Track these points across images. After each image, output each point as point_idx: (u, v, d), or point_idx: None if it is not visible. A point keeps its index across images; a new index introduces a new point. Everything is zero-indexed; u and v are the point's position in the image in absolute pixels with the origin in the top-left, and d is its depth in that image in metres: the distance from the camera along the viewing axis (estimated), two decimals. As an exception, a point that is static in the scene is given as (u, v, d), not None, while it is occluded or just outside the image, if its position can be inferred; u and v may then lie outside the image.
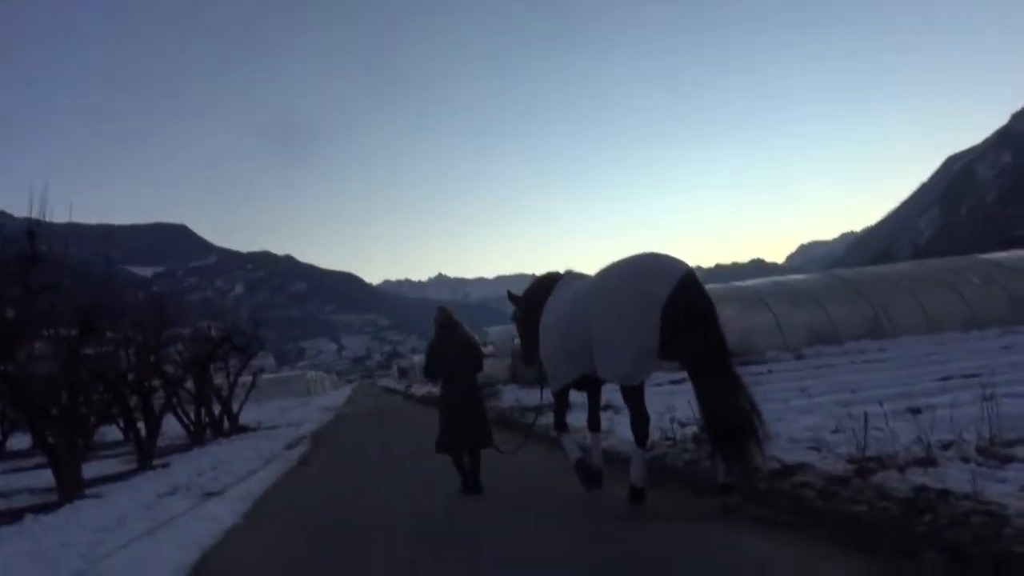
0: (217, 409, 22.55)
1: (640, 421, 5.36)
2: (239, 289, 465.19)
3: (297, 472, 10.95)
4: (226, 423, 22.89)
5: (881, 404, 8.44)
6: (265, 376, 73.60)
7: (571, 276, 6.55)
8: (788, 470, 4.94)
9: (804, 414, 7.82)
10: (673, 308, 4.84)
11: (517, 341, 7.28)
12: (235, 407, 24.78)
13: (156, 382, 17.25)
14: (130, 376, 15.17)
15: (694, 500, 5.11)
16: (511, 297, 7.35)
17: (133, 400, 15.54)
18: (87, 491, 11.38)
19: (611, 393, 6.81)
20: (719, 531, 4.30)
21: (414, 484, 7.98)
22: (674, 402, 11.75)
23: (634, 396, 5.36)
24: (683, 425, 8.08)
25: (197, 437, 18.47)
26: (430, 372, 7.21)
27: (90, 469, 16.53)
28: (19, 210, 11.18)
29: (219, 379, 23.95)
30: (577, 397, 6.60)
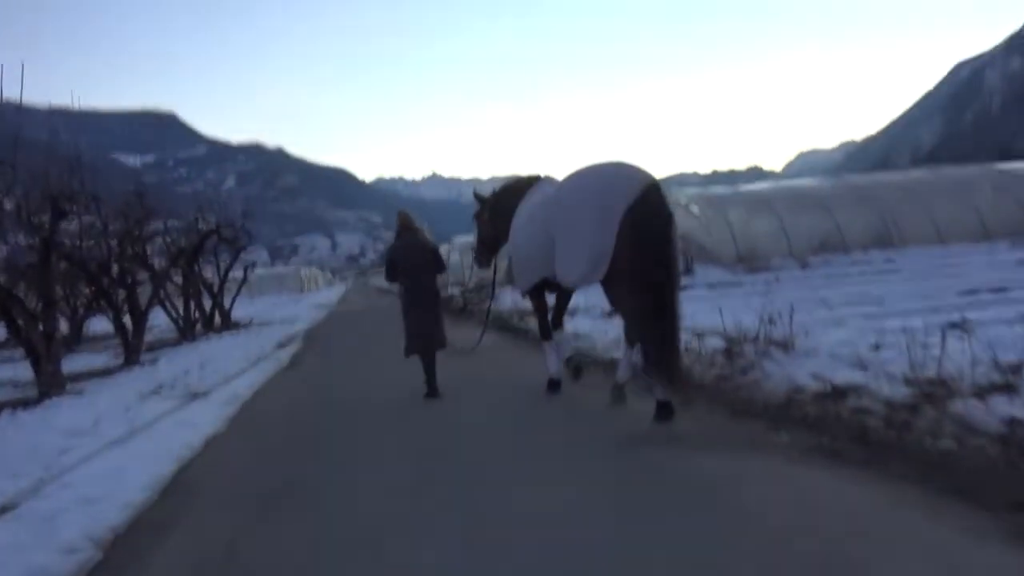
0: (208, 304, 22.05)
1: (626, 320, 5.39)
2: (230, 182, 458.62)
3: (287, 373, 10.47)
4: (217, 318, 22.46)
5: (915, 319, 8.01)
6: (259, 271, 73.40)
7: (546, 181, 6.53)
8: (839, 392, 4.37)
9: (832, 327, 7.23)
10: (631, 217, 4.83)
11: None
12: (227, 302, 24.31)
13: (142, 275, 16.61)
14: (114, 268, 14.51)
15: (732, 423, 4.55)
16: (477, 196, 7.41)
17: (119, 293, 14.95)
18: (68, 387, 10.95)
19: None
20: (773, 463, 3.67)
21: (405, 391, 7.52)
22: (691, 308, 11.30)
23: (619, 295, 5.28)
24: (700, 335, 7.56)
25: (186, 332, 18.01)
26: (390, 275, 7.26)
27: (77, 362, 16.20)
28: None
29: (210, 274, 23.36)
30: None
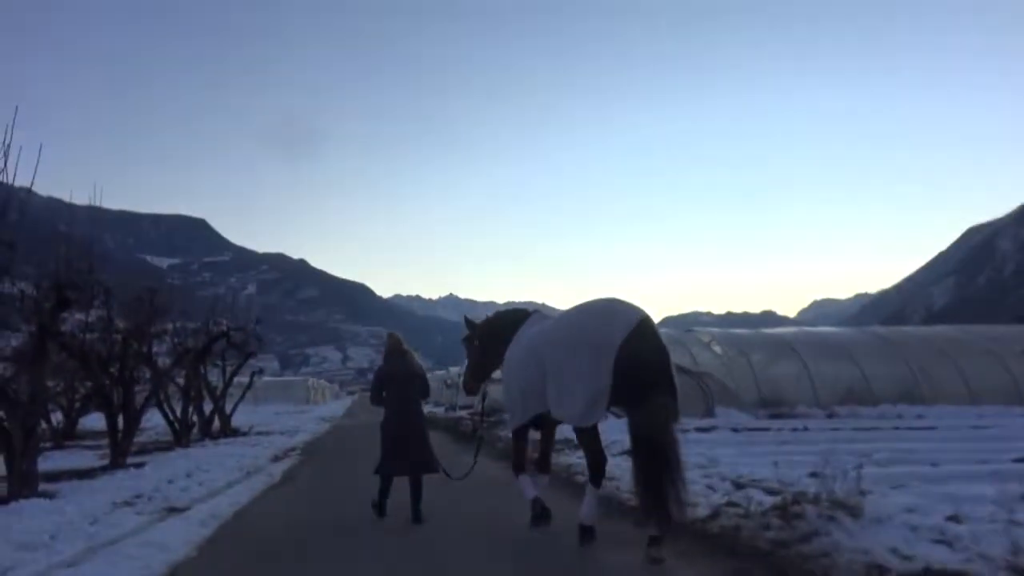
0: (209, 408, 21.30)
1: (595, 461, 5.43)
2: (251, 288, 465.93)
3: (277, 491, 9.60)
4: (216, 424, 21.62)
5: (978, 485, 7.14)
6: (266, 379, 72.49)
7: (539, 315, 6.65)
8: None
9: (890, 490, 6.41)
10: (626, 352, 4.87)
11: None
12: (229, 408, 23.51)
13: (143, 373, 16.03)
14: (114, 366, 13.96)
15: None
16: (467, 323, 7.46)
17: (118, 391, 14.30)
18: (41, 488, 10.12)
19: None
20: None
21: (402, 518, 6.74)
22: (719, 453, 10.43)
23: (588, 437, 5.42)
24: (740, 486, 6.76)
25: (181, 437, 17.15)
26: (375, 398, 7.31)
27: (63, 459, 15.36)
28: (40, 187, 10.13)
29: (216, 378, 22.74)
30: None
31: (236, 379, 24.89)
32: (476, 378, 7.26)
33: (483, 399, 7.59)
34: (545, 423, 6.09)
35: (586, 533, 5.30)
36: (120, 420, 13.39)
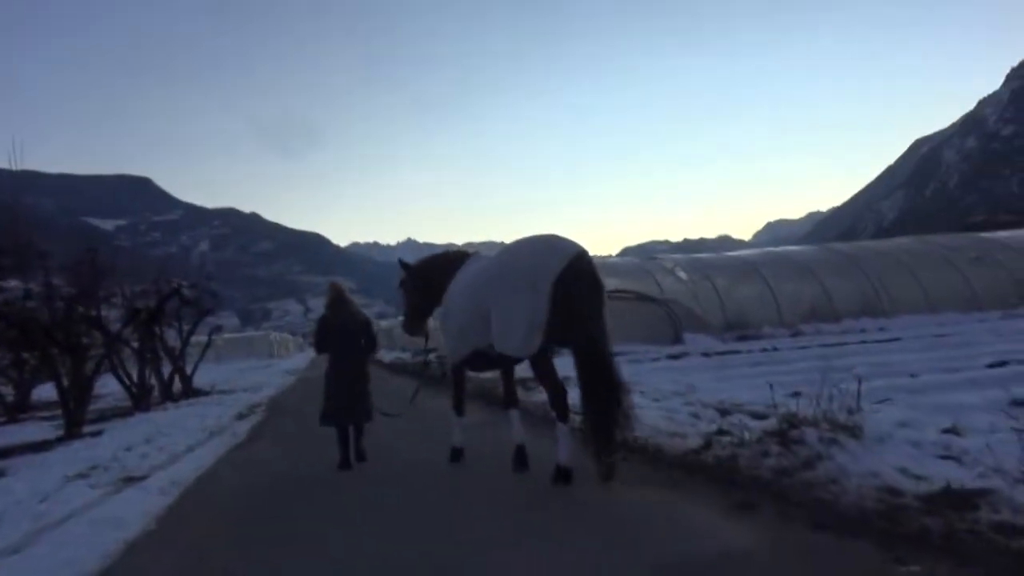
0: (169, 370, 20.58)
1: (554, 394, 5.37)
2: (204, 246, 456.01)
3: (243, 451, 9.15)
4: (177, 385, 20.94)
5: (962, 394, 7.05)
6: (227, 336, 71.45)
7: (478, 256, 6.83)
8: (965, 499, 3.32)
9: (878, 404, 6.24)
10: (562, 286, 4.98)
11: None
12: (190, 369, 22.80)
13: (93, 339, 15.27)
14: (60, 333, 13.19)
15: (820, 540, 3.40)
16: (402, 264, 7.53)
17: (65, 360, 13.56)
18: (-8, 464, 9.58)
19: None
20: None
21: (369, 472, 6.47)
22: (697, 379, 10.26)
23: (542, 369, 5.38)
24: (725, 412, 6.55)
25: (140, 401, 16.51)
26: (319, 346, 7.44)
27: (16, 433, 14.67)
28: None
29: (174, 339, 21.94)
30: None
31: (195, 339, 24.13)
32: (417, 318, 7.40)
33: (427, 338, 7.58)
34: (499, 361, 6.07)
35: (562, 475, 5.20)
36: (71, 389, 12.76)
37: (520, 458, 5.92)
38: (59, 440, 12.05)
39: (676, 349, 17.54)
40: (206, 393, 21.11)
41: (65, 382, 12.72)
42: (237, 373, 36.02)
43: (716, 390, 8.94)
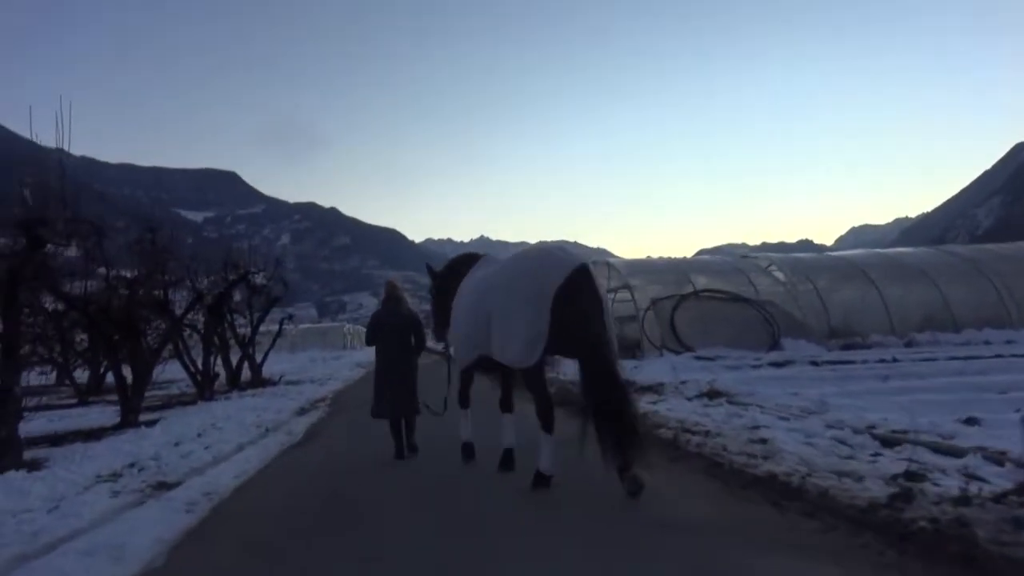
0: (237, 357, 20.08)
1: (541, 408, 5.38)
2: (285, 239, 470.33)
3: (294, 454, 8.11)
4: (245, 374, 20.46)
5: None
6: (303, 326, 72.38)
7: (487, 259, 6.90)
8: None
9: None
10: (562, 299, 5.02)
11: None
12: (260, 357, 22.34)
13: (155, 322, 14.72)
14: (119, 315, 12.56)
15: None
16: (429, 272, 7.93)
17: (126, 345, 12.93)
18: (42, 452, 8.91)
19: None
20: None
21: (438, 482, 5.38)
22: (816, 394, 8.63)
23: (533, 380, 5.34)
24: (889, 443, 5.03)
25: (203, 389, 15.90)
26: (368, 339, 7.61)
27: (79, 418, 14.27)
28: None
29: (246, 328, 21.51)
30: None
31: (268, 327, 23.74)
32: (441, 325, 7.40)
33: (448, 347, 7.48)
34: (500, 366, 5.95)
35: (541, 480, 5.28)
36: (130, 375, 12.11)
37: (507, 460, 6.12)
38: (113, 428, 11.40)
39: (776, 356, 15.77)
40: (273, 383, 20.54)
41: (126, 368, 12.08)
42: (308, 363, 35.80)
43: (852, 408, 7.34)
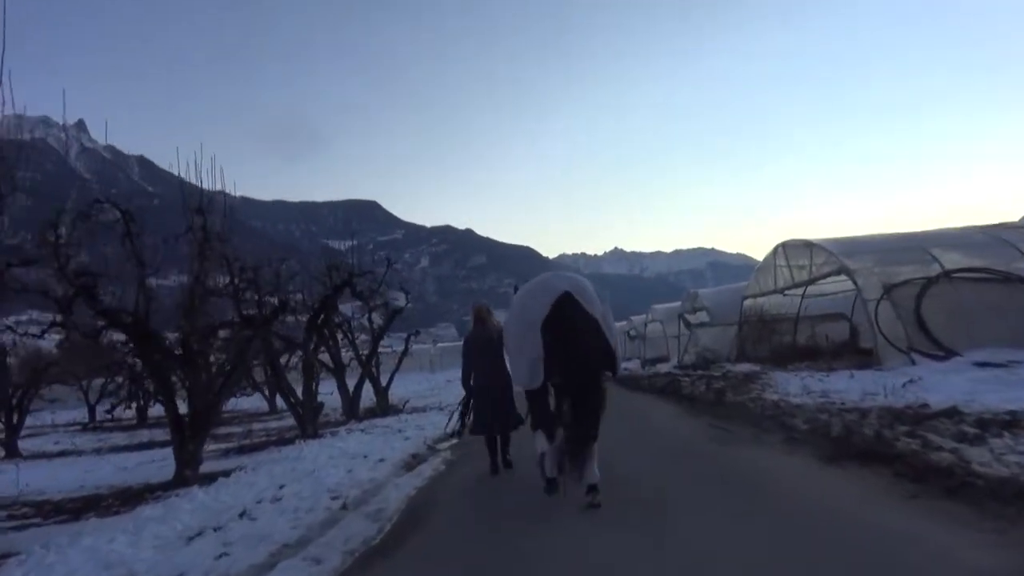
0: (354, 381, 17.03)
1: (534, 420, 5.83)
2: (424, 262, 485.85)
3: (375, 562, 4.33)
4: (370, 398, 17.39)
5: None
6: (442, 345, 70.91)
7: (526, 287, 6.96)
8: None
9: None
10: (548, 325, 5.35)
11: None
12: (386, 379, 19.31)
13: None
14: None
15: None
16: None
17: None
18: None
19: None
20: None
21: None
22: None
23: (536, 400, 5.75)
24: None
25: (306, 426, 12.72)
26: (465, 364, 7.69)
27: (136, 468, 11.54)
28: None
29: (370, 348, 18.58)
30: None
31: (396, 349, 20.81)
32: None
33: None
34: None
35: (550, 484, 5.61)
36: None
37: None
38: (157, 488, 8.27)
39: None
40: (397, 411, 17.32)
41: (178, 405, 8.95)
42: (443, 384, 32.94)
43: None
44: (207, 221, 8.46)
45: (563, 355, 5.27)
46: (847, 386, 9.51)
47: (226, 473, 8.80)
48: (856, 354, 16.01)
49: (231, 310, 11.26)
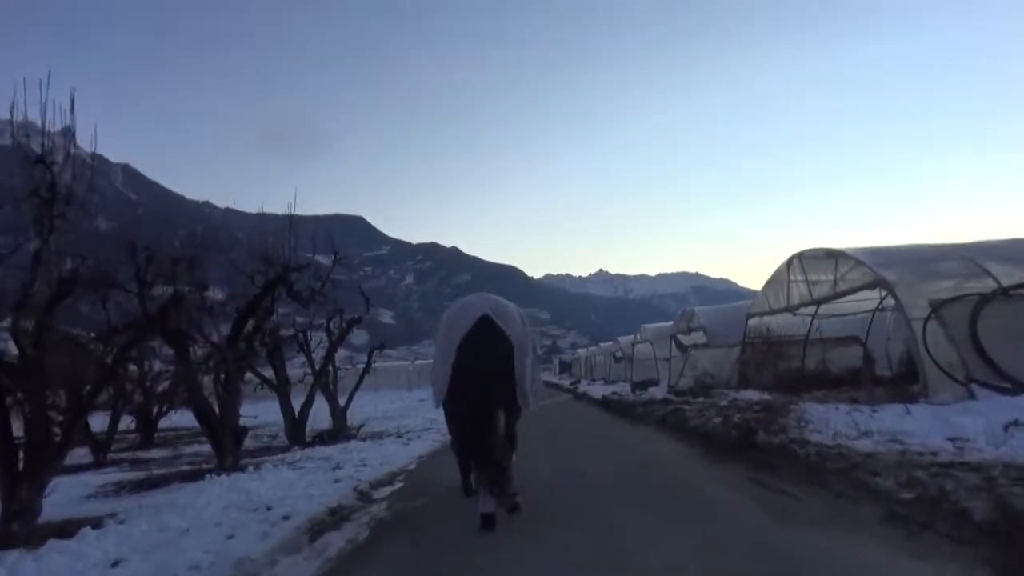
0: (302, 401, 14.64)
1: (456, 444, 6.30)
2: (409, 279, 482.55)
3: None
4: (322, 421, 14.97)
5: None
6: (420, 362, 68.22)
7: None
8: None
9: None
10: (463, 347, 5.45)
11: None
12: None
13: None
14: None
15: None
16: None
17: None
18: None
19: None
20: None
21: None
22: None
23: (453, 423, 6.11)
24: None
25: (224, 456, 10.24)
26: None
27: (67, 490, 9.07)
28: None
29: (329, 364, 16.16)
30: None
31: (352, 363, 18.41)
32: None
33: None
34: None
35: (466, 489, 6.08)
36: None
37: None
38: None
39: None
40: (349, 436, 14.88)
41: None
42: (416, 404, 30.34)
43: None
44: (55, 177, 5.97)
45: (466, 379, 5.32)
46: (914, 427, 7.23)
47: (81, 523, 6.42)
48: (874, 383, 13.87)
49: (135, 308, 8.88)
